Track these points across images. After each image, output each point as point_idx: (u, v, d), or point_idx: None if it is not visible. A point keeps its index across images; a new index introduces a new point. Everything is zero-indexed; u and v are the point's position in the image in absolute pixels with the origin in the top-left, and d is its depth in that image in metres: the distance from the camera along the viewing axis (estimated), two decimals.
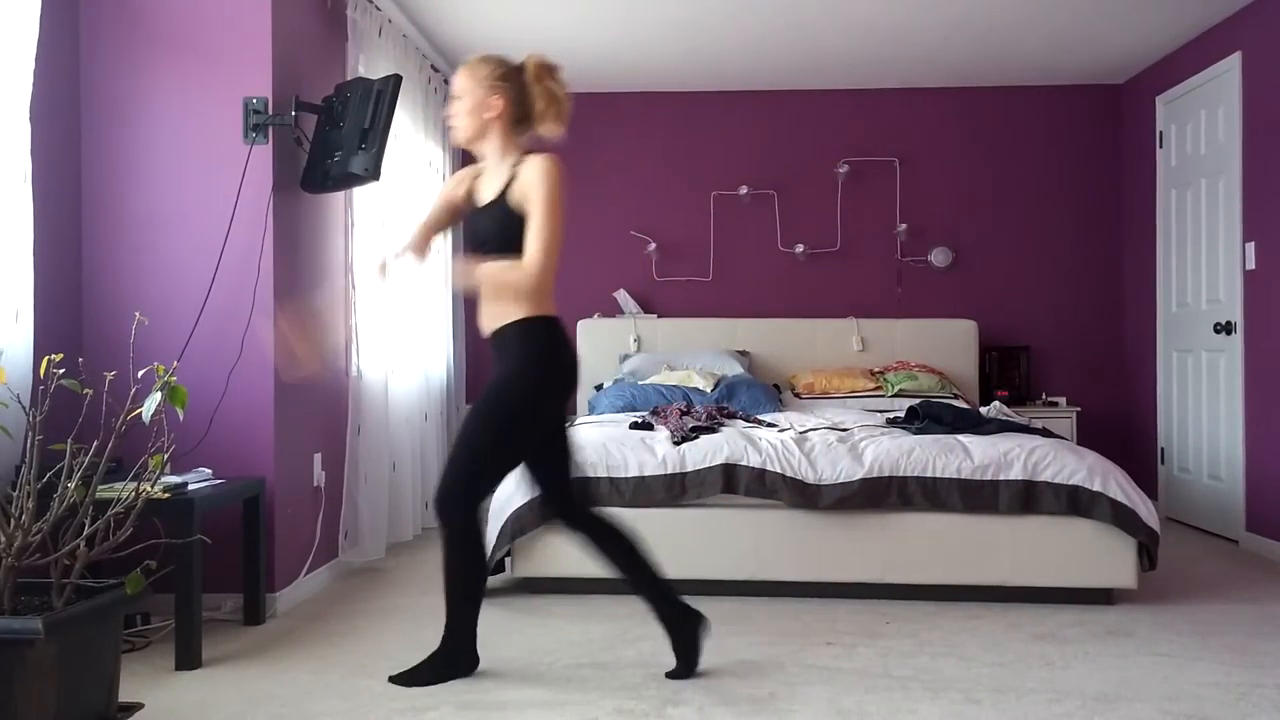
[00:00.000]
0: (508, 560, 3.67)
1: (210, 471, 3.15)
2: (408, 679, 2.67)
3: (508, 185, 2.65)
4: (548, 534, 3.56)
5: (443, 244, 5.05)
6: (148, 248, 3.37)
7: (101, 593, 2.27)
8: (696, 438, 3.69)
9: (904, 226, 5.79)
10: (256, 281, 3.34)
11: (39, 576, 2.40)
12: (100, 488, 2.46)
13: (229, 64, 3.37)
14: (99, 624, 2.22)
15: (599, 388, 5.37)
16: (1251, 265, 4.49)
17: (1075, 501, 3.43)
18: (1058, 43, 5.07)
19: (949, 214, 5.85)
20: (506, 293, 2.63)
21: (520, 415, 2.61)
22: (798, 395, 5.28)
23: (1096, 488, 3.43)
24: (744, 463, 3.55)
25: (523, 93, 2.71)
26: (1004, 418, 4.08)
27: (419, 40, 4.88)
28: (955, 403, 4.45)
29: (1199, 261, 4.97)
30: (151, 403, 2.24)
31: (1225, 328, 4.69)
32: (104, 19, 3.36)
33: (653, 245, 5.84)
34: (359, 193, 4.08)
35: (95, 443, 2.39)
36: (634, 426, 3.92)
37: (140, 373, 2.67)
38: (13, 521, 2.20)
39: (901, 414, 4.22)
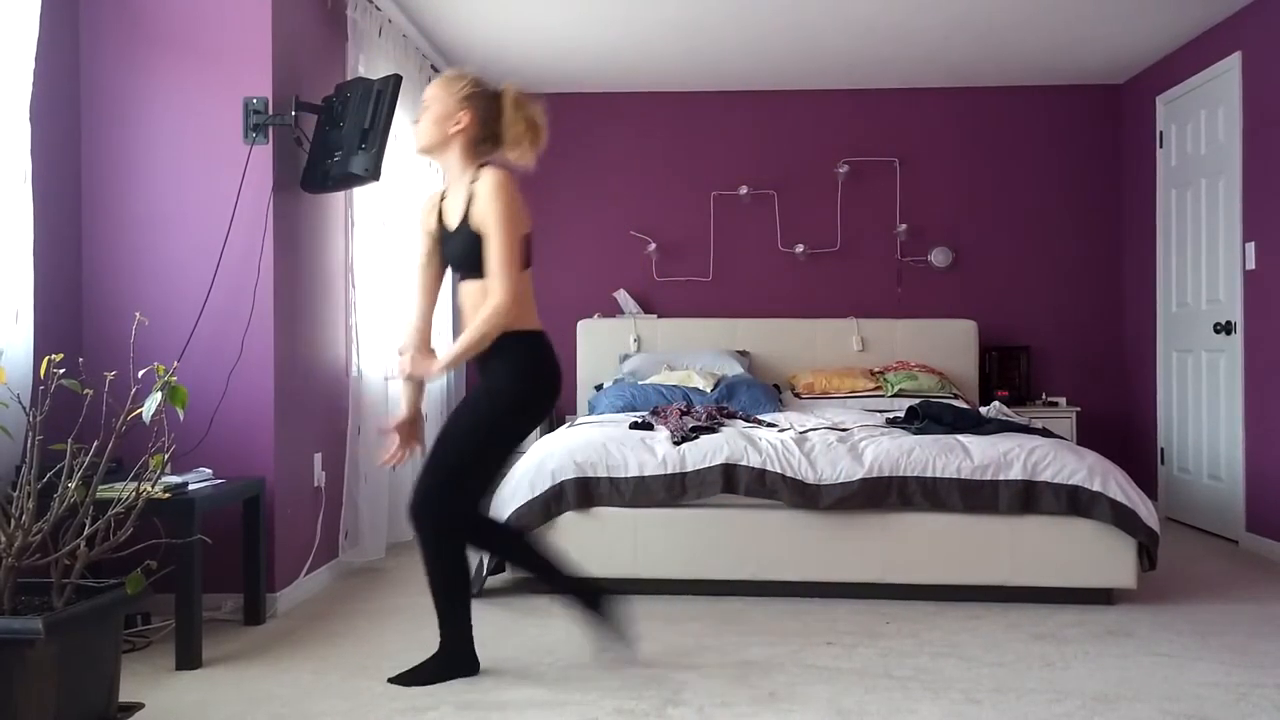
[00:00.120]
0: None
1: (210, 471, 3.15)
2: (407, 679, 2.68)
3: (469, 206, 2.65)
4: (548, 533, 3.56)
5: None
6: (148, 248, 3.37)
7: (102, 593, 2.27)
8: (696, 438, 3.69)
9: (904, 226, 5.79)
10: (256, 281, 3.34)
11: (39, 576, 2.40)
12: (100, 488, 2.46)
13: (229, 64, 3.37)
14: (99, 624, 2.22)
15: (599, 388, 5.38)
16: (1251, 265, 4.49)
17: (1075, 501, 3.43)
18: (1058, 43, 5.07)
19: (949, 214, 5.85)
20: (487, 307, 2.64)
21: (498, 430, 2.64)
22: (798, 395, 5.28)
23: (1096, 488, 3.43)
24: (744, 463, 3.55)
25: (491, 114, 2.72)
26: (1004, 418, 4.08)
27: (419, 40, 4.88)
28: (955, 403, 4.45)
29: (1199, 261, 4.97)
30: (152, 403, 2.24)
31: (1225, 328, 4.69)
32: (104, 19, 3.36)
33: (653, 245, 5.84)
34: (359, 193, 4.08)
35: (95, 443, 2.39)
36: (634, 426, 3.92)
37: (140, 373, 2.67)
38: (13, 521, 2.20)
39: (901, 414, 4.22)
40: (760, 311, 5.83)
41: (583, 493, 3.56)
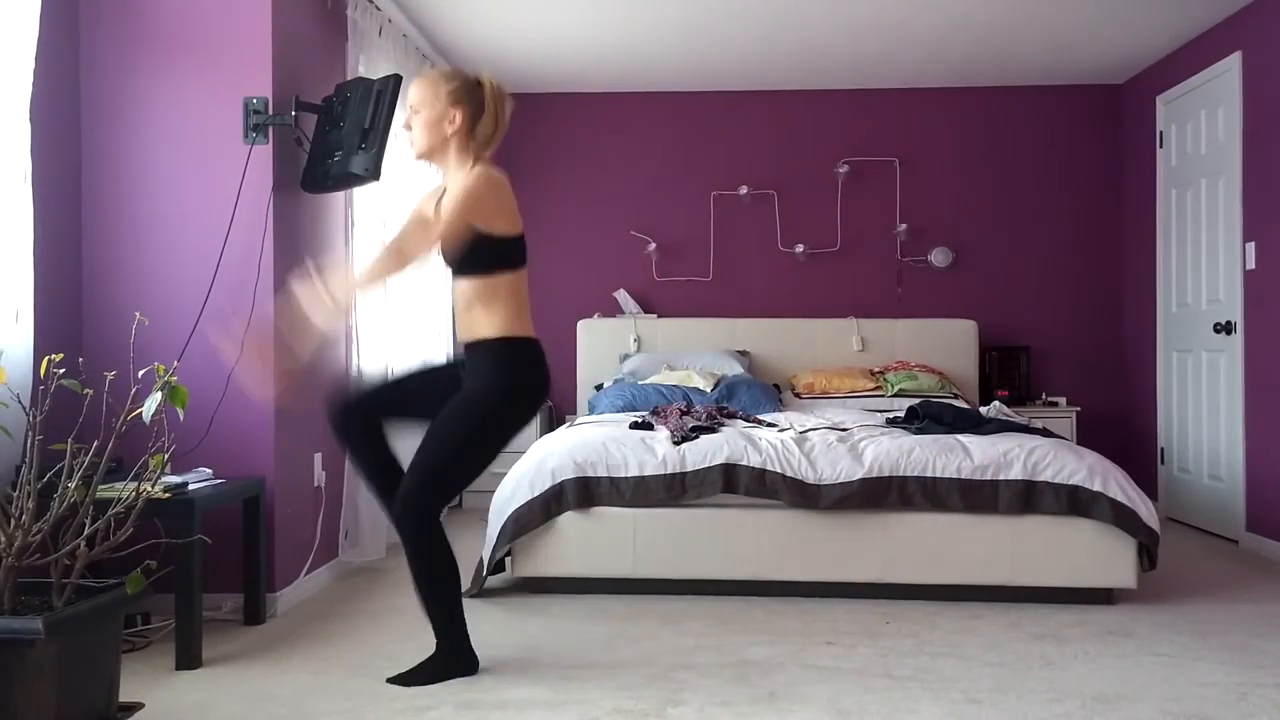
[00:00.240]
0: (508, 560, 3.67)
1: (210, 471, 3.15)
2: (406, 679, 2.67)
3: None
4: (548, 533, 3.56)
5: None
6: (148, 248, 3.37)
7: (102, 593, 2.27)
8: (696, 438, 3.69)
9: (904, 226, 5.79)
10: (256, 281, 3.34)
11: (39, 576, 2.40)
12: (100, 488, 2.46)
13: (229, 64, 3.37)
14: (99, 624, 2.22)
15: (599, 388, 5.38)
16: (1251, 265, 4.49)
17: (1075, 501, 3.43)
18: (1058, 43, 5.07)
19: (949, 214, 5.85)
20: (477, 304, 2.66)
21: (475, 437, 2.64)
22: (798, 395, 5.28)
23: (1096, 488, 3.43)
24: (744, 463, 3.55)
25: (478, 109, 2.72)
26: (1004, 418, 4.08)
27: (419, 40, 4.88)
28: (955, 403, 4.45)
29: (1199, 261, 4.97)
30: (152, 403, 2.24)
31: (1225, 328, 4.69)
32: (104, 19, 3.36)
33: (653, 245, 5.84)
34: (359, 193, 4.08)
35: (95, 443, 2.39)
36: (634, 426, 3.92)
37: (140, 373, 2.67)
38: (13, 521, 2.20)
39: (901, 414, 4.22)
40: (760, 311, 5.83)
41: (583, 492, 3.56)
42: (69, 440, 2.28)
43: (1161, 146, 5.34)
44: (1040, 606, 3.48)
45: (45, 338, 3.08)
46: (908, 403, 4.59)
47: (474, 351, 2.69)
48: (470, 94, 2.71)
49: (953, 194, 5.85)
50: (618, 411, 4.72)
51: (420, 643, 3.05)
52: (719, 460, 3.56)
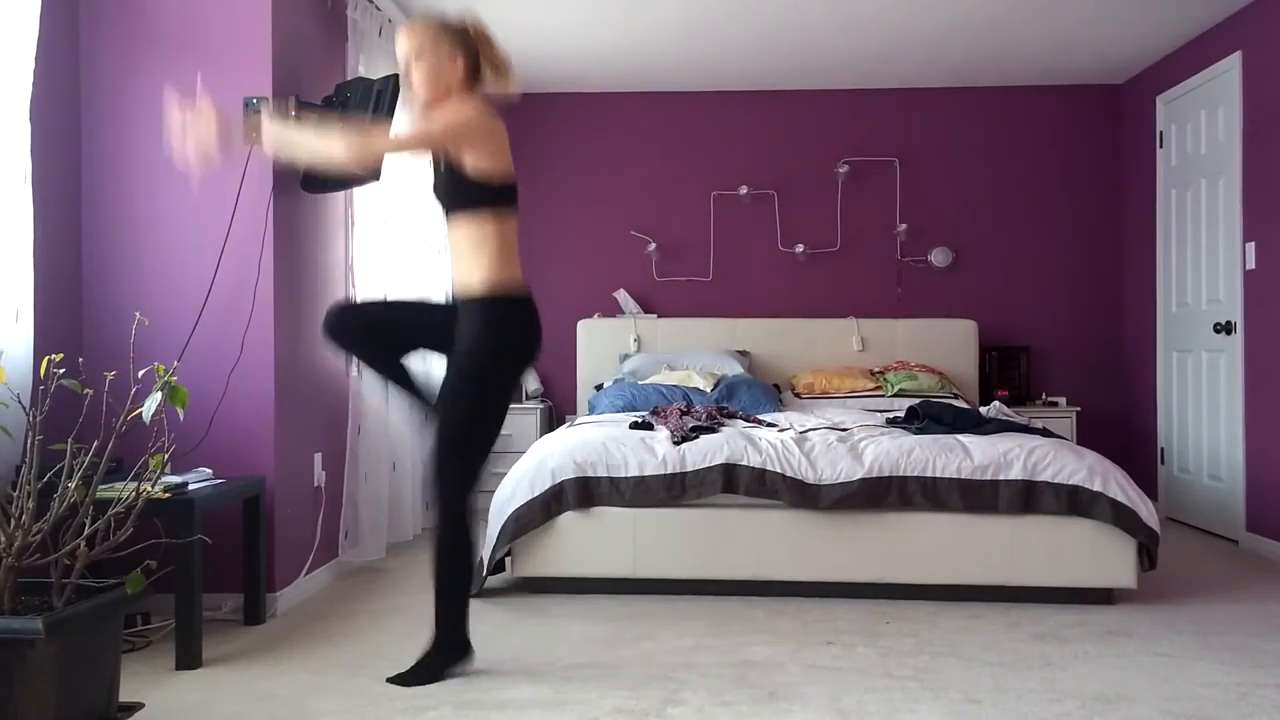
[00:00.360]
0: (508, 560, 3.67)
1: (210, 471, 3.15)
2: (406, 679, 2.68)
3: None
4: (548, 533, 3.56)
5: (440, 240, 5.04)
6: (148, 248, 3.37)
7: (102, 593, 2.28)
8: (696, 438, 3.69)
9: (904, 226, 5.79)
10: (256, 281, 3.34)
11: (39, 576, 2.40)
12: (100, 488, 2.46)
13: (229, 64, 3.37)
14: (99, 624, 2.22)
15: (599, 388, 5.38)
16: (1251, 265, 4.49)
17: (1075, 501, 3.43)
18: (1058, 43, 5.07)
19: (949, 214, 5.85)
20: (470, 252, 2.67)
21: (484, 405, 2.70)
22: (798, 395, 5.28)
23: (1096, 488, 3.43)
24: (744, 463, 3.55)
25: (471, 50, 2.74)
26: (1004, 418, 4.08)
27: None
28: (955, 403, 4.45)
29: (1199, 261, 4.97)
30: (152, 403, 2.24)
31: (1225, 328, 4.69)
32: (104, 19, 3.36)
33: (653, 245, 5.84)
34: (359, 193, 4.08)
35: (95, 443, 2.39)
36: (634, 426, 3.92)
37: (140, 373, 2.67)
38: (13, 521, 2.20)
39: (901, 414, 4.22)
40: (760, 311, 5.83)
41: (583, 492, 3.56)
42: (69, 440, 2.28)
43: (1161, 146, 5.34)
44: (1040, 606, 3.48)
45: (45, 338, 3.08)
46: (908, 403, 4.59)
47: (465, 310, 2.71)
48: (466, 40, 2.74)
49: (953, 194, 5.85)
50: (618, 411, 4.72)
51: (421, 643, 3.05)
52: (719, 460, 3.56)
